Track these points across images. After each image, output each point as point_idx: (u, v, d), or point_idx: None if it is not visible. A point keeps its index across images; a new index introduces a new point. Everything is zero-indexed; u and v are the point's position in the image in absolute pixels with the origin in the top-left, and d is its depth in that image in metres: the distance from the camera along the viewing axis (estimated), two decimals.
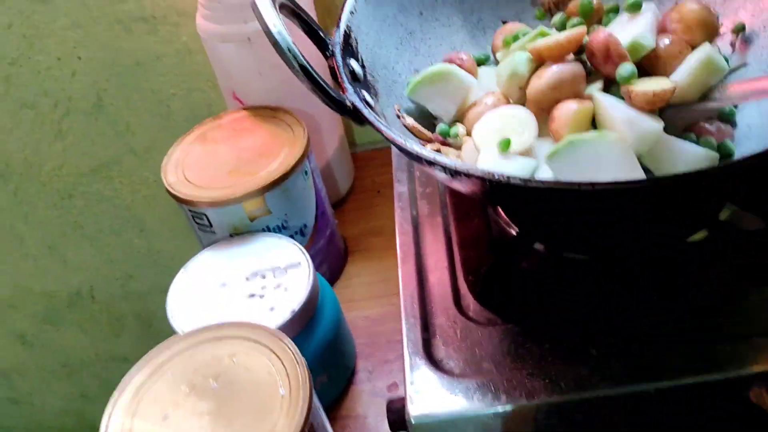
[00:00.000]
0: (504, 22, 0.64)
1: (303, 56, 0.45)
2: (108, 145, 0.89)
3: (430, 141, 0.56)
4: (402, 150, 0.45)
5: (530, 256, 0.55)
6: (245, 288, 0.58)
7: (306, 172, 0.66)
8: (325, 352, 0.59)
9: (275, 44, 0.45)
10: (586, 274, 0.54)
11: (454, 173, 0.42)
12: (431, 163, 0.43)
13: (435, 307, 0.53)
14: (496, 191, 0.43)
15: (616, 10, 0.61)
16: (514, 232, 0.56)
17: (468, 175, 0.42)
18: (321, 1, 0.77)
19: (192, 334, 0.51)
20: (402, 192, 0.63)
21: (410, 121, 0.56)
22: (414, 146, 0.44)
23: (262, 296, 0.58)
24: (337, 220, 0.75)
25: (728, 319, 0.48)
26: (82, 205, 0.95)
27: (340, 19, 0.54)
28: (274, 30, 0.45)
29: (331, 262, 0.73)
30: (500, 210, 0.58)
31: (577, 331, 0.49)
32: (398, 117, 0.56)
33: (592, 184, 0.39)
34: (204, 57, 0.79)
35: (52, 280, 1.03)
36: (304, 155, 0.65)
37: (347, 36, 0.54)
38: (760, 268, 0.51)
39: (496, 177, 0.41)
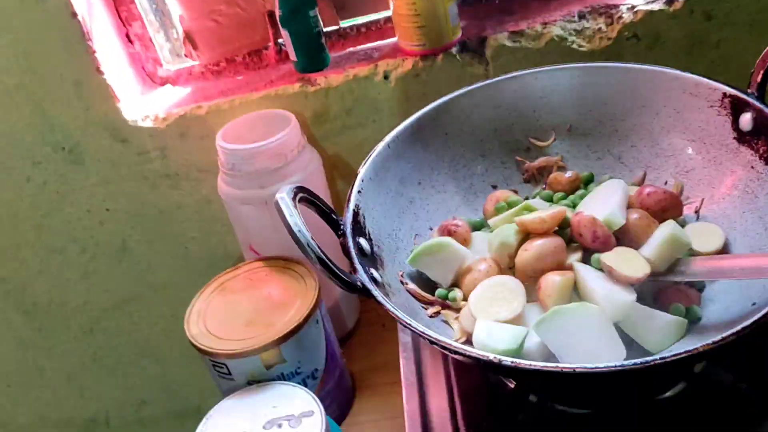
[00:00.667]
0: (494, 187, 0.72)
1: (320, 248, 0.52)
2: (130, 284, 0.96)
3: (431, 303, 0.62)
4: (407, 327, 0.51)
5: (525, 408, 0.60)
6: None
7: (317, 321, 0.72)
8: None
9: (296, 240, 0.52)
10: (577, 425, 0.59)
11: (452, 352, 0.48)
12: (432, 342, 0.49)
13: None
14: (489, 367, 0.49)
15: (591, 179, 0.69)
16: (511, 386, 0.62)
17: (465, 356, 0.48)
18: (329, 163, 0.85)
19: None
20: (406, 342, 0.69)
21: (412, 286, 0.63)
22: (417, 325, 0.50)
23: None
24: (344, 359, 0.80)
25: None
26: (103, 338, 1.00)
27: (349, 199, 0.62)
28: (295, 228, 0.52)
29: (340, 401, 0.78)
30: None
31: None
32: (402, 283, 0.62)
33: (573, 368, 0.45)
34: (221, 205, 0.86)
35: (69, 408, 1.07)
36: (316, 306, 0.71)
37: (356, 214, 0.61)
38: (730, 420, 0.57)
39: (489, 358, 0.47)
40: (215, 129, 0.80)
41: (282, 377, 0.70)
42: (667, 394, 0.59)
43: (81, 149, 0.84)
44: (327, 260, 0.53)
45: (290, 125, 0.76)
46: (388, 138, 0.68)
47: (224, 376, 0.71)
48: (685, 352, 0.45)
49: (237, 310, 0.73)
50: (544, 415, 0.60)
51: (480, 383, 0.63)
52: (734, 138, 0.62)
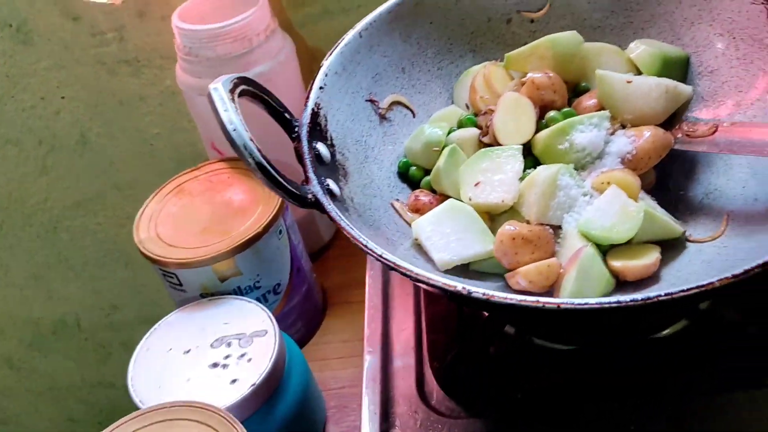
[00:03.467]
0: None
1: (260, 153, 0.44)
2: (92, 181, 0.89)
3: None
4: (362, 250, 0.43)
5: (499, 340, 0.53)
6: (209, 356, 0.57)
7: (280, 231, 0.64)
8: (290, 423, 0.58)
9: (231, 141, 0.43)
10: (556, 362, 0.52)
11: (416, 280, 0.41)
12: (392, 268, 0.41)
13: (397, 394, 0.52)
14: (459, 301, 0.41)
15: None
16: (484, 314, 0.55)
17: (429, 285, 0.40)
18: (308, 56, 0.76)
19: (147, 413, 0.50)
20: (375, 261, 0.62)
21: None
22: (375, 248, 0.43)
23: (225, 366, 0.56)
24: (315, 273, 0.73)
25: (705, 420, 0.46)
26: (67, 238, 0.94)
27: (308, 97, 0.53)
28: (229, 127, 0.43)
29: (306, 318, 0.71)
30: None
31: (541, 427, 0.47)
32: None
33: (557, 304, 0.37)
34: None
35: (38, 309, 1.03)
36: (279, 214, 0.63)
37: (315, 114, 0.53)
38: (739, 367, 0.49)
39: (458, 290, 0.39)
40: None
41: (239, 291, 0.64)
42: (665, 332, 0.51)
43: (29, 27, 0.75)
44: (268, 166, 0.45)
45: (257, 4, 0.66)
46: (360, 25, 0.58)
47: (175, 287, 0.64)
48: (697, 287, 0.36)
49: (192, 216, 0.66)
50: (520, 350, 0.53)
51: (451, 310, 0.56)
52: None
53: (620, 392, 0.49)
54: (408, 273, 0.40)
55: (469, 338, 0.54)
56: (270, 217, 0.63)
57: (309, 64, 0.77)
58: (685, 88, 0.54)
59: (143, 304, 1.02)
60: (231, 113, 0.44)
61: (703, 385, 0.48)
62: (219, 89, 0.45)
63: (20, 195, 0.89)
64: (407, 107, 0.60)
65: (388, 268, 0.41)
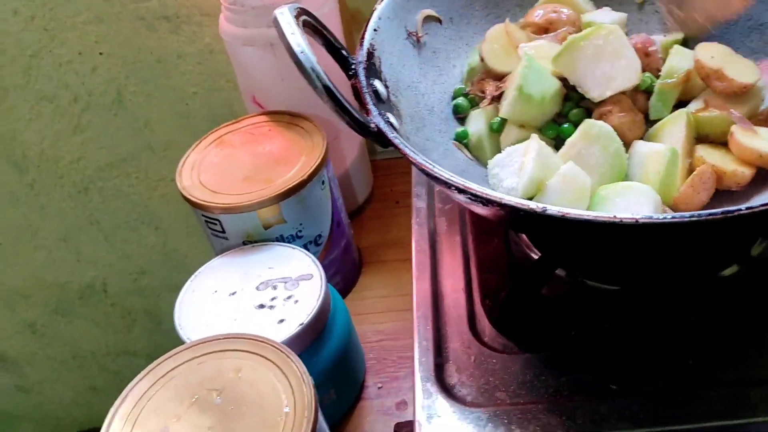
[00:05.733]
0: None
1: (327, 77, 0.44)
2: (126, 141, 0.89)
3: None
4: (429, 175, 0.43)
5: (551, 282, 0.53)
6: (255, 298, 0.57)
7: (323, 182, 0.65)
8: (334, 368, 0.58)
9: (298, 63, 0.44)
10: (610, 305, 0.53)
11: (486, 202, 0.40)
12: (461, 190, 0.41)
13: (449, 331, 0.52)
14: (528, 221, 0.41)
15: None
16: (535, 256, 0.55)
17: (500, 205, 0.40)
18: (347, 15, 0.76)
19: (199, 344, 0.50)
20: (420, 207, 0.62)
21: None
22: (441, 172, 0.43)
23: (272, 307, 0.56)
24: (352, 231, 0.73)
25: (759, 361, 0.46)
26: (98, 199, 0.94)
27: (363, 37, 0.53)
28: (297, 49, 0.43)
29: (344, 273, 0.72)
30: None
31: (597, 365, 0.47)
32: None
33: (636, 219, 0.37)
34: (226, 57, 0.78)
35: (65, 272, 1.03)
36: (322, 164, 0.64)
37: (371, 54, 0.53)
38: None
39: (531, 207, 0.39)
40: None
41: (281, 239, 0.64)
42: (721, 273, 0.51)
43: None
44: (334, 90, 0.45)
45: None
46: None
47: (218, 234, 0.64)
48: None
49: (235, 165, 0.66)
50: (571, 291, 0.53)
51: (501, 253, 0.56)
52: None
53: (675, 330, 0.49)
54: (479, 194, 0.40)
55: (521, 279, 0.54)
56: (314, 167, 0.63)
57: (349, 26, 0.77)
58: None
59: (171, 270, 1.02)
60: (298, 36, 0.44)
61: (756, 322, 0.48)
62: (285, 13, 0.45)
63: (53, 154, 0.89)
64: (437, 18, 0.60)
65: (457, 191, 0.41)
